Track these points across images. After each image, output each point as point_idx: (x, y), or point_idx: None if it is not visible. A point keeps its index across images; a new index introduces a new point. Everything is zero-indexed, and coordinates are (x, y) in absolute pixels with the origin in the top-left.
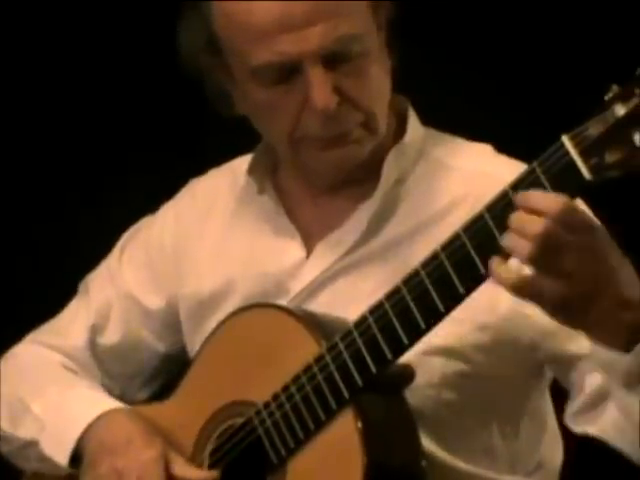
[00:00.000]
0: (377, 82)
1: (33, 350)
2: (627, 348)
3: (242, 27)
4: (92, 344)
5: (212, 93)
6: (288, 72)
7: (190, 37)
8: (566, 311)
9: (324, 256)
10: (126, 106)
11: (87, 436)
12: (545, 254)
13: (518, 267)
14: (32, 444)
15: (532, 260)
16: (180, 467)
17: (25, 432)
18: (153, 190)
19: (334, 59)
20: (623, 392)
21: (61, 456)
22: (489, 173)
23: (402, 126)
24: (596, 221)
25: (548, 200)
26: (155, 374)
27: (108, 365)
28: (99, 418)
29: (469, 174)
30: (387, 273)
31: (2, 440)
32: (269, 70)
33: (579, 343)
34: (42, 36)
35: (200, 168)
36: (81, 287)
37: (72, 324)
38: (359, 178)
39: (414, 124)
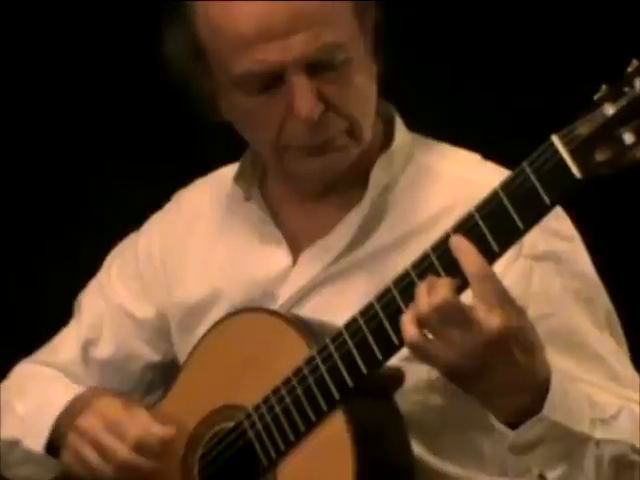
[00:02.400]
0: (362, 89)
1: (28, 367)
2: (513, 424)
3: (224, 35)
4: (86, 358)
5: (198, 99)
6: (271, 80)
7: (175, 42)
8: (454, 378)
9: (311, 263)
10: (118, 116)
11: (62, 421)
12: (439, 323)
13: None
14: (15, 444)
15: (424, 323)
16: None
17: (7, 431)
18: (145, 203)
19: (317, 67)
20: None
21: (38, 444)
22: (477, 181)
23: (389, 132)
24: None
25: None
26: (153, 385)
27: (106, 379)
28: (73, 402)
29: (457, 181)
30: (375, 281)
31: None
32: (252, 78)
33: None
34: (34, 45)
35: (191, 180)
36: (75, 306)
37: (64, 340)
38: (346, 185)
39: (401, 130)
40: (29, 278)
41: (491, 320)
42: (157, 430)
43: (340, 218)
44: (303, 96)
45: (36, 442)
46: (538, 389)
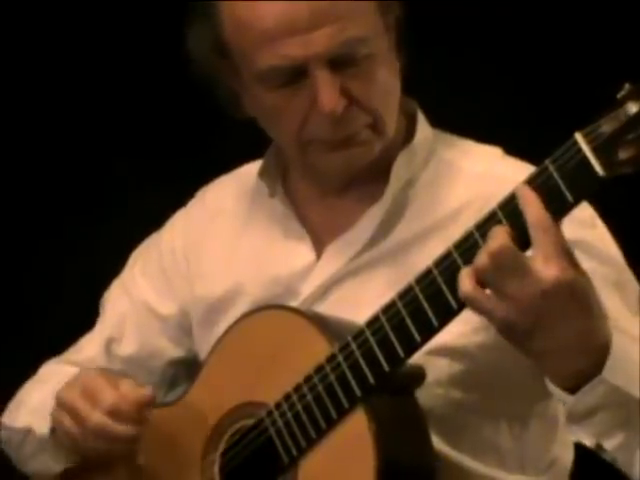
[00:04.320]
0: (385, 84)
1: (52, 366)
2: (571, 390)
3: (248, 30)
4: (109, 356)
5: (222, 95)
6: (294, 75)
7: (199, 40)
8: (510, 335)
9: (334, 258)
10: (132, 115)
11: None
12: (495, 272)
13: None
14: (28, 432)
15: (481, 273)
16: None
17: (22, 421)
18: (163, 201)
19: (341, 62)
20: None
21: (45, 427)
22: (498, 175)
23: (411, 128)
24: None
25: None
26: (176, 380)
27: (130, 376)
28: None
29: (478, 176)
30: (396, 275)
31: (7, 443)
32: (275, 73)
33: None
34: (43, 39)
35: (207, 178)
36: (100, 305)
37: (88, 340)
38: (368, 179)
39: (423, 126)
40: (46, 279)
41: (548, 271)
42: (132, 395)
43: (362, 213)
44: (326, 91)
45: (44, 425)
46: (597, 352)
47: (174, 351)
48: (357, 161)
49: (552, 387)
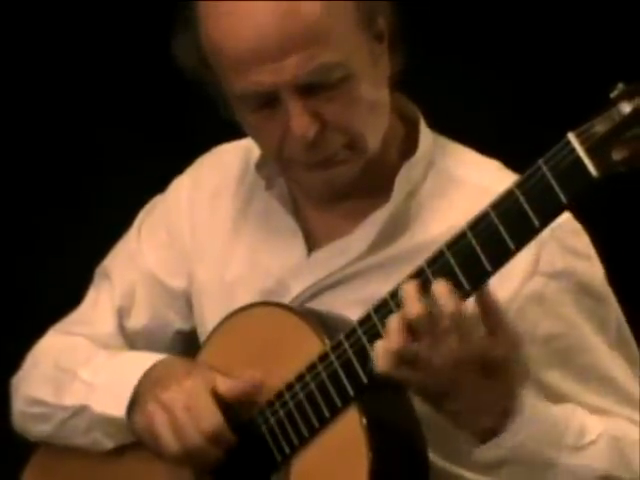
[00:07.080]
0: (366, 100)
1: (62, 338)
2: (478, 443)
3: (223, 55)
4: (122, 329)
5: (215, 99)
6: (269, 99)
7: (185, 51)
8: (425, 398)
9: (328, 261)
10: (132, 93)
11: (141, 385)
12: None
13: None
14: (81, 410)
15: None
16: (223, 384)
17: (74, 399)
18: (158, 179)
19: (313, 87)
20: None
21: (117, 409)
22: (498, 190)
23: (412, 134)
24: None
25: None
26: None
27: (136, 349)
28: (152, 367)
29: (476, 190)
30: (391, 286)
31: (41, 420)
32: (250, 97)
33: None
34: (23, 23)
35: (187, 158)
36: (98, 273)
37: (97, 311)
38: (364, 190)
39: (425, 135)
40: (42, 257)
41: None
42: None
43: (361, 220)
44: (296, 117)
45: (114, 407)
46: (504, 415)
47: (183, 325)
48: (337, 180)
49: (465, 438)
